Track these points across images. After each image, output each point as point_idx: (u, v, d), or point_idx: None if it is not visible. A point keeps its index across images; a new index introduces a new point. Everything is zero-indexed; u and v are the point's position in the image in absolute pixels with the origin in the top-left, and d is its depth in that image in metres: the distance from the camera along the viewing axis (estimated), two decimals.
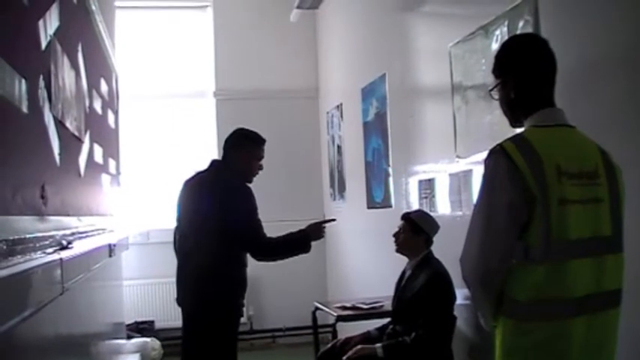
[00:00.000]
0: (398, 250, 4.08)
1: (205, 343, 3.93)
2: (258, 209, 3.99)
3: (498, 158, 2.13)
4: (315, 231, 4.09)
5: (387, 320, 4.25)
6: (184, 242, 4.05)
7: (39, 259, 2.04)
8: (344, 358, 3.93)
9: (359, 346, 3.94)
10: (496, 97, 2.38)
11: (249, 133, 4.16)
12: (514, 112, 2.33)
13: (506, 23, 3.51)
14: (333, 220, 4.34)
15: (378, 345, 3.87)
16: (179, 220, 4.14)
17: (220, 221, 3.83)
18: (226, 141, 4.16)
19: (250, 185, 4.03)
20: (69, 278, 2.50)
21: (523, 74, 2.29)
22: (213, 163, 4.16)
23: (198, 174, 4.16)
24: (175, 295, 4.15)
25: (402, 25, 5.18)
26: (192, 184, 4.13)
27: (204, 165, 4.17)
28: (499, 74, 2.36)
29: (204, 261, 3.88)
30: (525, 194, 2.07)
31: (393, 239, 4.08)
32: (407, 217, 4.08)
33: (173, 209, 4.22)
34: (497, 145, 2.16)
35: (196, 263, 3.93)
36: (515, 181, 2.08)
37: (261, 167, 4.16)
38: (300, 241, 4.06)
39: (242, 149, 4.09)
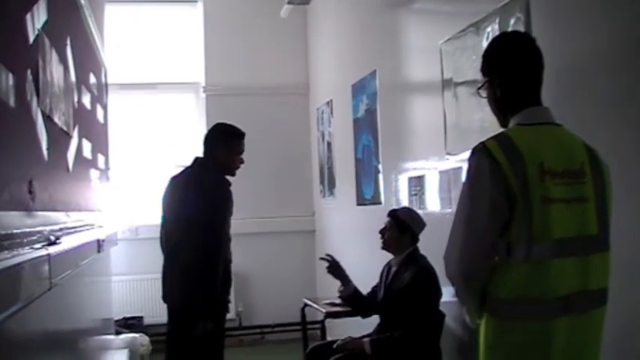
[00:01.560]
0: (384, 247, 4.10)
1: (190, 340, 3.92)
2: (225, 214, 3.98)
3: (481, 156, 2.15)
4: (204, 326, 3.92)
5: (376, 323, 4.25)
6: (169, 239, 4.07)
7: (27, 254, 2.03)
8: (334, 346, 3.95)
9: (348, 337, 3.96)
10: (484, 95, 2.39)
11: (228, 128, 4.19)
12: (501, 111, 2.34)
13: (497, 20, 3.51)
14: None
15: (366, 339, 3.88)
16: (164, 216, 4.14)
17: (203, 218, 3.83)
18: (206, 137, 4.21)
19: (232, 183, 4.04)
20: (57, 274, 2.48)
21: (508, 73, 2.30)
22: (196, 159, 4.17)
23: (183, 170, 4.17)
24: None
25: (393, 21, 5.18)
26: (177, 181, 4.15)
27: (189, 161, 4.17)
28: (486, 72, 2.37)
29: (189, 258, 3.87)
30: (507, 192, 2.08)
31: (379, 236, 4.09)
32: (393, 215, 4.09)
33: (159, 205, 4.22)
34: (480, 143, 2.17)
35: (181, 260, 3.93)
36: (496, 179, 2.09)
37: (242, 161, 4.19)
38: (211, 303, 3.91)
39: (223, 144, 4.12)
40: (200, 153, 4.18)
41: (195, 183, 4.01)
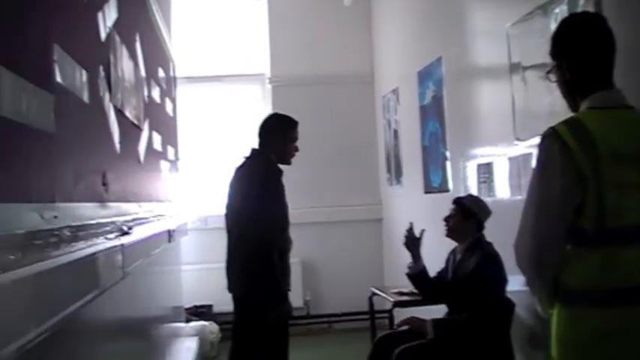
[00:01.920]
0: (448, 235, 4.07)
1: (255, 330, 3.98)
2: (276, 203, 4.01)
3: (551, 141, 2.11)
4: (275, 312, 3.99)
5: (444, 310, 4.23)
6: (229, 230, 4.14)
7: (101, 244, 2.09)
8: (394, 324, 3.95)
9: (410, 317, 3.96)
10: (553, 79, 2.34)
11: (282, 117, 4.27)
12: (571, 95, 2.29)
13: (565, 1, 3.42)
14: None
15: (429, 320, 3.85)
16: (227, 207, 4.21)
17: (250, 208, 3.91)
18: (261, 128, 4.24)
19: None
20: (129, 263, 2.55)
21: (578, 55, 2.24)
22: (253, 150, 4.22)
23: (243, 161, 4.25)
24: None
25: (457, 6, 5.12)
26: (236, 172, 4.23)
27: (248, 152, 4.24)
28: (555, 55, 2.32)
29: (243, 249, 3.94)
30: (578, 177, 2.04)
31: (444, 223, 4.07)
32: (458, 202, 4.06)
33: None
34: (550, 128, 2.13)
35: (238, 251, 4.00)
36: (567, 164, 2.05)
37: (297, 149, 4.24)
38: (274, 294, 3.96)
39: (278, 133, 4.17)
40: (255, 144, 4.22)
41: (247, 174, 4.11)
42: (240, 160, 4.26)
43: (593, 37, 2.26)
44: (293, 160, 4.23)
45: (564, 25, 2.40)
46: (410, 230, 4.39)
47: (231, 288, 4.15)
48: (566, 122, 2.15)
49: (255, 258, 3.89)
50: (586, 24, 2.33)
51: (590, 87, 2.21)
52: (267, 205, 3.93)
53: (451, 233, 4.06)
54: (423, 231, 4.37)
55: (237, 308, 4.15)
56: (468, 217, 3.96)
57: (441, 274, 4.25)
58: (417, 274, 4.28)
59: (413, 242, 4.35)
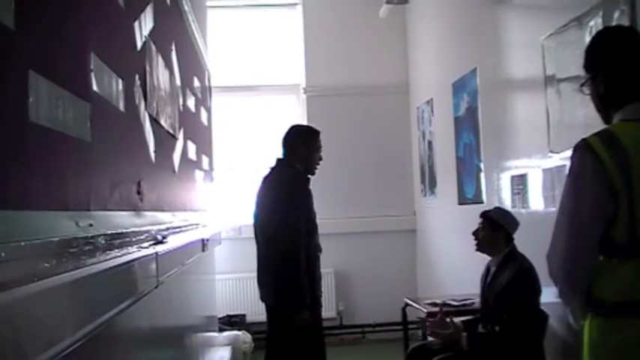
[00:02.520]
0: (478, 249, 4.04)
1: (287, 339, 4.01)
2: (302, 211, 4.06)
3: (583, 153, 2.11)
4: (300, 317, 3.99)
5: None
6: (260, 237, 4.21)
7: (135, 253, 2.10)
8: (427, 332, 3.87)
9: (448, 319, 3.88)
10: (587, 92, 2.33)
11: (304, 127, 4.43)
12: (605, 107, 2.29)
13: (600, 14, 3.40)
14: None
15: (464, 333, 3.81)
16: (255, 216, 4.29)
17: (276, 217, 4.00)
18: (284, 138, 4.34)
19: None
20: (164, 272, 2.56)
21: (611, 68, 2.25)
22: (277, 160, 4.31)
23: (270, 171, 4.35)
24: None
25: (492, 18, 5.10)
26: (263, 182, 4.33)
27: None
28: (589, 69, 2.32)
29: (271, 258, 4.01)
30: (610, 189, 2.04)
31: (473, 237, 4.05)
32: (485, 215, 4.04)
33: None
34: (582, 139, 2.14)
35: (267, 261, 4.07)
36: (599, 175, 2.06)
37: (321, 158, 4.31)
38: (298, 299, 3.97)
39: (302, 143, 4.26)
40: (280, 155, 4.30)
41: (274, 182, 4.20)
42: (267, 171, 4.35)
43: (626, 50, 2.27)
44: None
45: (598, 38, 2.42)
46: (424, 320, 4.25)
47: (263, 297, 4.18)
48: (598, 134, 2.15)
49: (281, 263, 3.94)
50: (619, 37, 2.35)
51: (624, 99, 2.21)
52: (293, 209, 4.00)
53: (481, 247, 4.03)
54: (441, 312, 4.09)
55: (269, 317, 4.17)
56: (495, 229, 3.93)
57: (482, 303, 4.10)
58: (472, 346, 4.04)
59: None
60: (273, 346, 4.18)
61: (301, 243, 3.97)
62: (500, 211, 4.09)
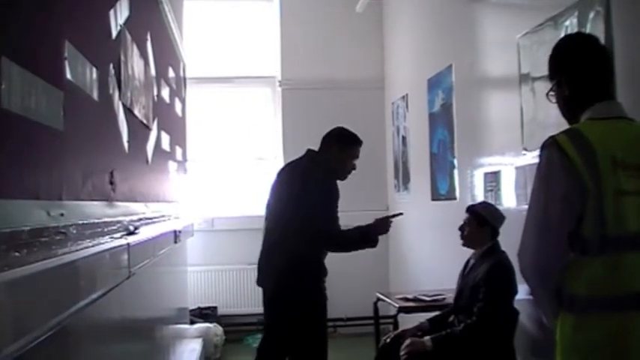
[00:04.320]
0: (464, 244, 4.05)
1: (290, 322, 4.07)
2: (337, 202, 4.14)
3: (551, 151, 2.15)
4: (382, 225, 4.21)
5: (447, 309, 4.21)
6: (273, 227, 4.19)
7: (107, 243, 2.09)
8: (400, 353, 3.91)
9: (408, 341, 3.92)
10: (554, 100, 2.38)
11: (350, 133, 4.35)
12: (571, 110, 2.34)
13: (576, 14, 3.43)
14: (400, 214, 4.35)
15: (427, 338, 3.84)
16: (269, 205, 4.27)
17: (304, 209, 4.01)
18: (327, 136, 4.32)
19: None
20: (135, 263, 2.55)
21: (574, 70, 2.31)
22: (308, 152, 4.30)
23: (292, 162, 4.35)
24: (252, 279, 4.36)
25: (469, 15, 5.12)
26: (286, 171, 4.32)
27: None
28: (553, 75, 2.38)
29: (288, 245, 4.03)
30: (579, 186, 2.07)
31: (459, 233, 4.05)
32: (471, 210, 4.05)
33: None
34: (550, 137, 2.17)
35: (281, 247, 4.08)
36: (567, 172, 2.09)
37: (354, 167, 4.33)
38: (368, 235, 4.18)
39: (340, 145, 4.26)
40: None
41: (301, 175, 4.16)
42: (292, 160, 4.37)
43: (588, 53, 2.33)
44: None
45: (560, 44, 2.47)
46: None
47: (262, 282, 4.23)
48: (566, 132, 2.19)
49: (304, 257, 4.03)
50: (581, 42, 2.43)
51: (590, 100, 2.26)
52: (328, 207, 4.08)
53: (467, 242, 4.04)
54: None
55: (269, 303, 4.20)
56: (482, 224, 3.95)
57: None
58: (430, 329, 4.17)
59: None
60: (273, 332, 4.22)
61: (332, 234, 4.12)
62: (486, 206, 4.10)
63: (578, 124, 2.25)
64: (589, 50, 2.32)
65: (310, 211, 3.98)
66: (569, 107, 2.33)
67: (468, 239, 4.03)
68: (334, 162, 4.21)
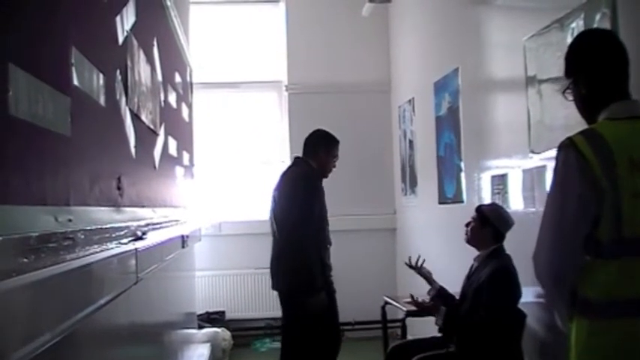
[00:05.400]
0: (466, 240, 4.06)
1: (303, 322, 4.35)
2: (315, 201, 4.39)
3: (568, 152, 2.12)
4: (319, 301, 4.37)
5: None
6: (276, 228, 4.51)
7: (115, 249, 2.09)
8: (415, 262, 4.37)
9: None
10: (570, 98, 2.35)
11: (327, 134, 4.67)
12: (588, 109, 2.30)
13: (582, 16, 3.42)
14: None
15: (444, 308, 3.90)
16: (272, 210, 4.60)
17: (291, 213, 4.35)
18: (307, 140, 4.66)
19: (322, 182, 4.55)
20: (143, 268, 2.55)
21: (592, 69, 2.27)
22: (295, 158, 4.69)
23: (285, 171, 4.71)
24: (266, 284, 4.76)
25: (475, 18, 5.11)
26: (281, 177, 4.66)
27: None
28: (570, 73, 2.34)
29: (288, 243, 4.34)
30: (595, 187, 2.04)
31: (465, 229, 4.07)
32: (479, 209, 4.05)
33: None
34: (567, 138, 2.14)
35: (283, 251, 4.40)
36: (584, 174, 2.06)
37: (335, 165, 4.68)
38: (314, 281, 4.33)
39: (323, 147, 4.60)
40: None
41: (291, 177, 4.51)
42: (285, 167, 4.77)
43: (605, 51, 2.29)
44: None
45: (577, 41, 2.44)
46: (408, 263, 4.62)
47: (276, 286, 4.53)
48: (583, 132, 2.15)
49: (295, 251, 4.28)
50: (598, 39, 2.39)
51: (607, 99, 2.22)
52: (305, 201, 4.32)
53: (469, 239, 4.05)
54: (419, 259, 4.61)
55: (283, 306, 4.55)
56: (484, 225, 3.94)
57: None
58: (436, 295, 4.29)
59: (419, 270, 4.56)
60: (288, 334, 4.55)
61: (310, 233, 4.29)
62: (493, 208, 4.09)
63: (596, 124, 2.22)
64: (607, 48, 2.28)
65: (287, 211, 4.36)
66: (586, 106, 2.30)
67: (469, 237, 4.04)
68: (320, 161, 4.56)
